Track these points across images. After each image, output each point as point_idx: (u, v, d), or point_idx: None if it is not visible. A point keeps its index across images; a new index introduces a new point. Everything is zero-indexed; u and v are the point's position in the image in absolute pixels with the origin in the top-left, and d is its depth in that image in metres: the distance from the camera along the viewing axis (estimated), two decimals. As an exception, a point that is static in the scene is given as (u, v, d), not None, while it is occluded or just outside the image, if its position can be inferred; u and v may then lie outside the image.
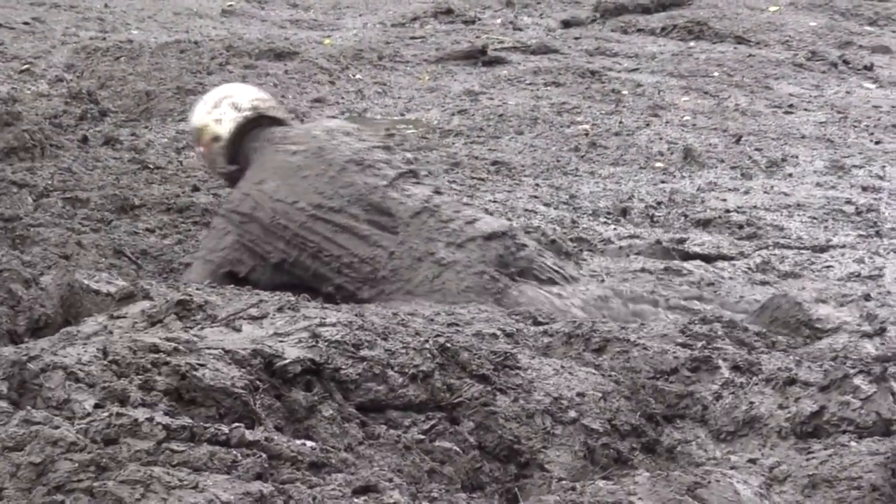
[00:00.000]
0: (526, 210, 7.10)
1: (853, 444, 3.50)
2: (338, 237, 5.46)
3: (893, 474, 3.30)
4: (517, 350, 4.00)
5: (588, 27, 12.92)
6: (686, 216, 7.12)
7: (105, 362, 3.27)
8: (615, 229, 6.85)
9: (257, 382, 3.34)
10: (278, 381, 3.42)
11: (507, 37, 12.31)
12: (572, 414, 3.68)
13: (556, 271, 5.56)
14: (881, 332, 5.00)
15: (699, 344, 4.29)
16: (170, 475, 2.81)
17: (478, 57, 11.17)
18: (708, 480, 3.20)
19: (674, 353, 4.08)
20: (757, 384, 3.88)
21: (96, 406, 3.07)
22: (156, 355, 3.32)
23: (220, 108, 5.88)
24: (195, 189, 7.12)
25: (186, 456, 2.91)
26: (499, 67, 10.95)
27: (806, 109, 9.70)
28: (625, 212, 7.17)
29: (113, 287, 4.47)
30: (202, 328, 3.75)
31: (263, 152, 5.75)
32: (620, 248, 6.49)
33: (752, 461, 3.53)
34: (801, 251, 6.47)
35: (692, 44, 11.97)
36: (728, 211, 7.19)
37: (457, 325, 4.39)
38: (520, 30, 12.83)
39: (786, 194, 7.57)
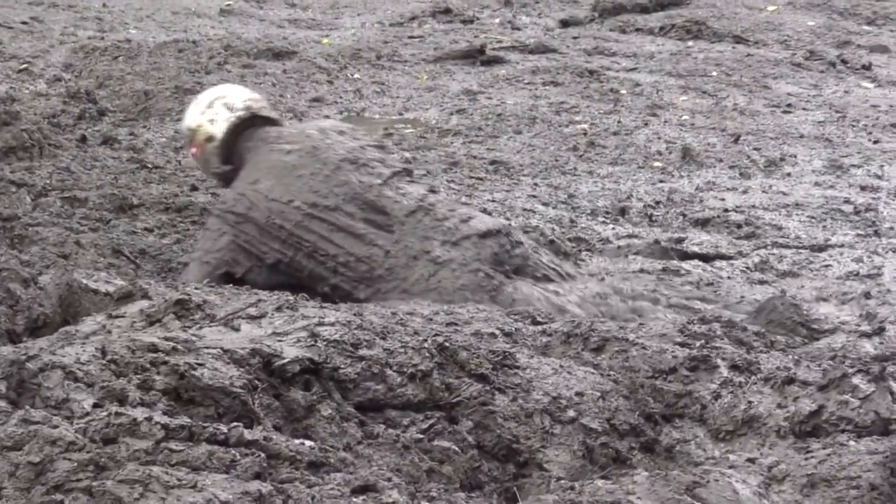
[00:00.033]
0: (524, 209, 7.10)
1: (852, 443, 3.50)
2: (333, 236, 5.45)
3: (892, 473, 3.30)
4: (516, 349, 4.00)
5: (586, 27, 12.93)
6: (684, 216, 7.12)
7: (104, 362, 3.27)
8: (613, 229, 6.86)
9: (256, 382, 3.34)
10: (277, 380, 3.41)
11: (505, 36, 12.31)
12: (571, 413, 3.68)
13: (553, 268, 5.57)
14: (880, 331, 5.00)
15: (698, 343, 4.29)
16: (168, 474, 2.81)
17: (476, 56, 11.17)
18: (707, 480, 3.20)
19: (672, 352, 4.08)
20: (756, 383, 3.88)
21: (95, 405, 3.07)
22: (154, 355, 3.32)
23: (213, 109, 5.88)
24: (193, 188, 7.12)
25: (185, 455, 2.90)
26: (497, 67, 10.95)
27: (804, 109, 9.70)
28: (623, 211, 7.17)
29: (111, 286, 4.47)
30: (201, 328, 3.75)
31: (258, 152, 5.75)
32: (619, 247, 6.49)
33: (751, 460, 3.53)
34: (800, 250, 6.48)
35: (690, 43, 11.97)
36: (726, 210, 7.19)
37: (455, 324, 4.39)
38: (518, 29, 12.83)
39: (784, 194, 7.57)
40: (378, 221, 5.48)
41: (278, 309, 3.91)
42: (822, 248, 6.52)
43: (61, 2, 13.12)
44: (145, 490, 2.76)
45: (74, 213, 6.50)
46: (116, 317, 3.97)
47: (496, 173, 7.90)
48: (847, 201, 7.37)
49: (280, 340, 3.59)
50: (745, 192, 7.60)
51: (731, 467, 3.45)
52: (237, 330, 3.71)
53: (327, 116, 9.12)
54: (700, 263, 6.19)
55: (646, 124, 9.07)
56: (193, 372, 3.25)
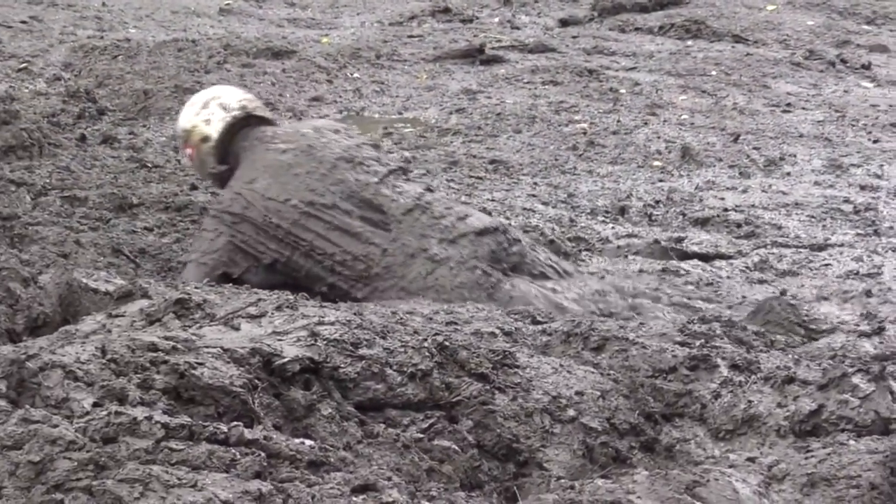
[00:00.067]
0: (524, 209, 7.10)
1: (852, 442, 3.50)
2: (330, 234, 5.46)
3: (892, 473, 3.30)
4: (516, 349, 4.00)
5: (586, 26, 12.92)
6: (684, 215, 7.12)
7: (104, 361, 3.27)
8: (613, 228, 6.86)
9: (256, 381, 3.34)
10: (277, 379, 3.41)
11: (504, 35, 12.30)
12: (571, 412, 3.68)
13: (550, 266, 5.58)
14: (879, 331, 5.01)
15: (698, 343, 4.29)
16: (168, 474, 2.81)
17: (476, 56, 11.17)
18: (707, 479, 3.20)
19: (672, 351, 4.08)
20: (756, 383, 3.88)
21: (95, 405, 3.07)
22: (154, 354, 3.32)
23: (208, 109, 5.88)
24: (193, 187, 7.12)
25: (185, 454, 2.90)
26: (496, 66, 10.95)
27: (804, 108, 9.71)
28: (623, 210, 7.17)
29: (111, 286, 4.47)
30: (201, 327, 3.75)
31: (253, 151, 5.74)
32: (619, 247, 6.49)
33: (751, 460, 3.53)
34: (800, 250, 6.48)
35: (690, 43, 11.97)
36: (726, 210, 7.19)
37: (455, 323, 4.39)
38: (517, 28, 12.83)
39: (784, 193, 7.57)
40: (375, 220, 5.49)
41: (278, 308, 3.91)
42: (821, 248, 6.52)
43: (61, 1, 13.12)
44: (145, 489, 2.76)
45: (74, 212, 6.50)
46: (116, 316, 3.97)
47: (496, 172, 7.90)
48: (847, 201, 7.38)
49: (280, 340, 3.59)
50: (744, 191, 7.60)
51: (731, 466, 3.46)
52: (237, 329, 3.71)
53: (326, 116, 9.11)
54: (700, 263, 6.19)
55: (645, 123, 9.07)
56: (193, 371, 3.25)
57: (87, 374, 3.20)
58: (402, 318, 4.17)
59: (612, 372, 3.97)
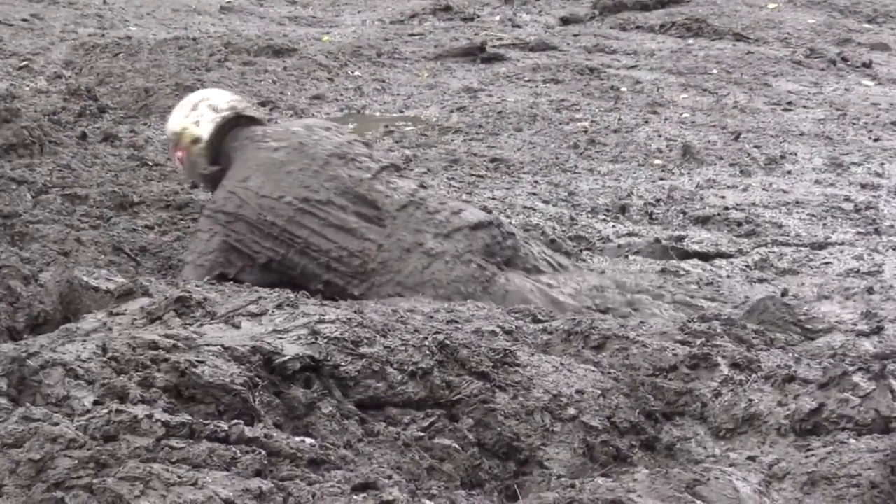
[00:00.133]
0: (525, 207, 7.10)
1: (852, 441, 3.50)
2: (326, 231, 5.47)
3: (892, 472, 3.30)
4: (516, 347, 4.00)
5: (587, 24, 12.92)
6: (685, 213, 7.12)
7: (104, 359, 3.27)
8: (614, 227, 6.86)
9: (256, 379, 3.34)
10: (277, 377, 3.42)
11: (505, 34, 12.30)
12: (571, 411, 3.68)
13: (545, 259, 5.60)
14: (878, 330, 5.00)
15: (698, 341, 4.29)
16: (169, 472, 2.81)
17: (476, 54, 11.16)
18: (707, 478, 3.20)
19: (673, 350, 4.09)
20: (756, 381, 3.88)
21: (96, 403, 3.07)
22: (155, 352, 3.33)
23: (197, 111, 5.89)
24: (194, 186, 7.11)
25: (186, 453, 2.91)
26: (497, 64, 10.94)
27: (805, 107, 9.70)
28: (624, 209, 7.17)
29: (112, 284, 4.47)
30: (201, 325, 3.75)
31: (245, 150, 5.75)
32: (619, 245, 6.49)
33: (752, 458, 3.53)
34: (800, 248, 6.48)
35: (691, 41, 11.97)
36: (727, 208, 7.19)
37: (456, 322, 4.39)
38: (518, 27, 12.83)
39: (785, 191, 7.57)
40: (369, 215, 5.51)
41: (279, 306, 3.91)
42: (822, 246, 6.52)
43: (62, -1, 13.12)
44: (146, 487, 2.76)
45: (75, 210, 6.50)
46: (117, 314, 3.97)
47: (496, 171, 7.90)
48: (847, 199, 7.37)
49: (281, 338, 3.59)
50: (745, 189, 7.60)
51: (731, 465, 3.46)
52: (238, 327, 3.71)
53: (327, 114, 9.11)
54: (700, 263, 6.19)
55: (646, 122, 9.07)
56: (194, 369, 3.25)
57: (87, 372, 3.20)
58: (402, 317, 4.17)
59: (612, 370, 3.97)
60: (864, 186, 7.66)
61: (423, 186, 5.73)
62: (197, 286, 4.66)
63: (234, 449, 2.95)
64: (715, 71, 10.75)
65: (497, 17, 13.25)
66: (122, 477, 2.78)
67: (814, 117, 9.35)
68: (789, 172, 7.98)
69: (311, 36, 11.88)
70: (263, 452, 2.98)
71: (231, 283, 5.25)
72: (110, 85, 9.46)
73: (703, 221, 6.99)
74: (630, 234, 6.70)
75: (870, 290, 5.65)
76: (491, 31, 12.35)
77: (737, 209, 7.17)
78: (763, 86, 10.33)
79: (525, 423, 3.61)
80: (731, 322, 4.84)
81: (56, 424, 2.89)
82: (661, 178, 7.82)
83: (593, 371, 3.91)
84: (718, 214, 7.05)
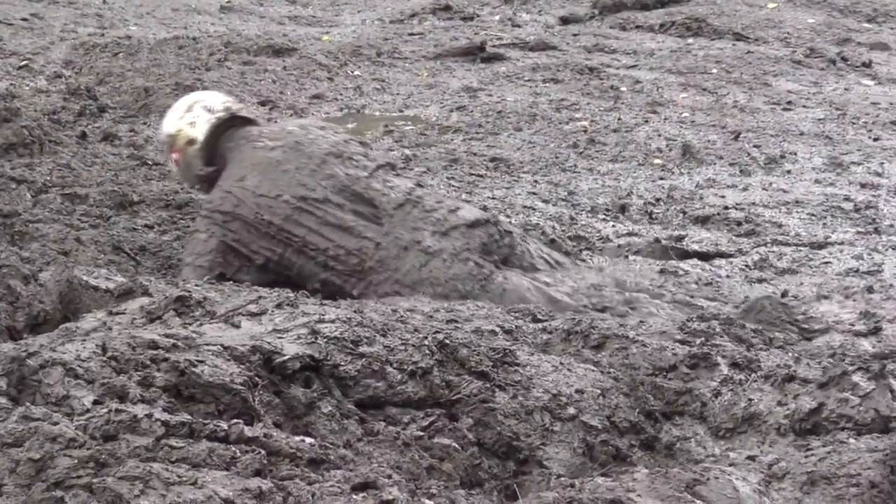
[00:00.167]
0: (524, 207, 7.10)
1: (852, 441, 3.50)
2: (323, 229, 5.47)
3: (892, 471, 3.30)
4: (516, 347, 4.00)
5: (586, 24, 12.92)
6: (685, 213, 7.12)
7: (104, 358, 3.27)
8: (614, 226, 6.86)
9: (256, 379, 3.34)
10: (277, 377, 3.42)
11: (505, 33, 12.30)
12: (571, 411, 3.68)
13: (542, 257, 5.61)
14: (876, 331, 5.00)
15: (698, 341, 4.29)
16: (169, 471, 2.81)
17: (476, 53, 11.16)
18: (707, 477, 3.20)
19: (673, 349, 4.09)
20: (756, 381, 3.88)
21: (95, 402, 3.07)
22: (155, 351, 3.33)
23: (192, 112, 5.90)
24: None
25: (185, 452, 2.91)
26: (497, 64, 10.94)
27: (804, 106, 9.70)
28: (623, 208, 7.17)
29: (112, 283, 4.47)
30: (201, 324, 3.75)
31: (241, 150, 5.76)
32: (619, 245, 6.49)
33: (751, 458, 3.53)
34: (800, 248, 6.48)
35: (691, 40, 11.97)
36: (727, 208, 7.19)
37: (456, 321, 4.39)
38: (518, 26, 12.83)
39: (784, 191, 7.56)
40: (366, 214, 5.51)
41: (279, 306, 3.91)
42: (822, 246, 6.51)
43: (61, -2, 13.12)
44: (145, 487, 2.76)
45: (75, 209, 6.50)
46: (117, 313, 3.97)
47: (496, 170, 7.90)
48: (847, 199, 7.37)
49: (280, 337, 3.59)
50: (745, 189, 7.60)
51: (731, 465, 3.46)
52: (237, 327, 3.71)
53: (327, 113, 9.11)
54: (699, 263, 6.18)
55: (646, 121, 9.07)
56: (194, 369, 3.25)
57: (87, 371, 3.20)
58: (402, 316, 4.17)
59: (612, 370, 3.97)
60: (863, 186, 7.66)
61: (419, 185, 5.75)
62: (196, 286, 4.66)
63: (233, 448, 2.95)
64: (715, 70, 10.75)
65: (497, 17, 13.25)
66: (122, 476, 2.78)
67: (813, 117, 9.35)
68: (789, 172, 7.98)
69: (311, 35, 11.88)
70: (263, 452, 2.98)
71: (230, 282, 5.25)
72: (110, 84, 9.46)
73: (702, 221, 6.99)
74: (630, 234, 6.70)
75: (869, 290, 5.65)
76: (491, 31, 12.35)
77: (736, 209, 7.17)
78: (763, 85, 10.33)
79: (525, 423, 3.61)
80: (731, 321, 4.84)
81: (56, 424, 2.89)
82: (661, 178, 7.82)
83: (593, 370, 3.91)
84: (718, 214, 7.05)
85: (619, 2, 13.13)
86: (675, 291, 5.58)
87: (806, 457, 3.45)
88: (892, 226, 6.86)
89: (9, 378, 3.16)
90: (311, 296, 4.68)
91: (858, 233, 6.75)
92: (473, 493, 3.33)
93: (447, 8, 13.33)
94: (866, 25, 12.68)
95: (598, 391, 3.78)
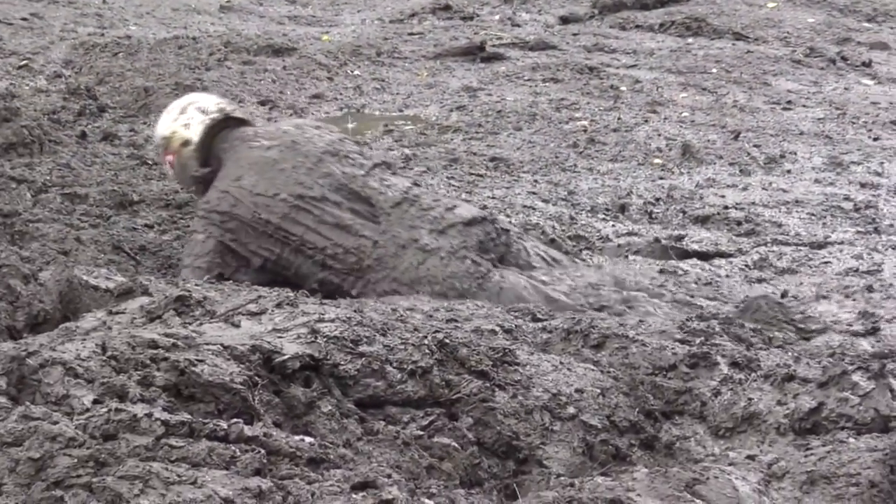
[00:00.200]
0: (524, 206, 7.10)
1: (851, 440, 3.50)
2: (321, 228, 5.48)
3: (892, 471, 3.30)
4: (516, 346, 4.00)
5: (586, 23, 12.92)
6: (684, 213, 7.12)
7: (104, 358, 3.27)
8: (613, 226, 6.86)
9: (256, 378, 3.34)
10: (277, 376, 3.42)
11: (505, 33, 12.30)
12: (571, 410, 3.68)
13: (538, 255, 5.62)
14: (874, 331, 5.00)
15: (698, 340, 4.29)
16: (168, 471, 2.81)
17: (476, 53, 11.16)
18: (706, 477, 3.20)
19: (672, 349, 4.09)
20: (755, 380, 3.89)
21: (95, 402, 3.07)
22: (154, 351, 3.33)
23: (186, 114, 5.90)
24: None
25: (185, 451, 2.91)
26: (497, 64, 10.94)
27: (804, 106, 9.70)
28: (623, 208, 7.17)
29: (112, 283, 4.47)
30: (201, 324, 3.75)
31: (237, 151, 5.76)
32: (619, 245, 6.49)
33: (751, 457, 3.53)
34: (800, 247, 6.48)
35: (690, 40, 11.97)
36: (726, 207, 7.19)
37: (455, 321, 4.39)
38: (518, 26, 12.83)
39: (784, 191, 7.56)
40: (364, 212, 5.53)
41: (278, 305, 3.91)
42: (821, 246, 6.51)
43: (61, -2, 13.11)
44: (145, 486, 2.76)
45: (75, 209, 6.50)
46: (117, 313, 3.97)
47: (496, 170, 7.90)
48: (847, 198, 7.37)
49: (280, 337, 3.59)
50: (744, 188, 7.60)
51: (730, 464, 3.46)
52: (237, 326, 3.71)
53: (326, 113, 9.12)
54: (699, 262, 6.18)
55: (646, 121, 9.07)
56: (194, 368, 3.25)
57: (87, 371, 3.20)
58: (402, 316, 4.17)
59: (612, 369, 3.97)
60: (863, 185, 7.66)
61: (416, 184, 5.77)
62: (196, 285, 4.66)
63: (233, 448, 2.95)
64: (714, 70, 10.75)
65: (496, 17, 13.25)
66: (122, 476, 2.78)
67: (813, 116, 9.35)
68: (789, 172, 7.98)
69: (311, 35, 11.88)
70: (263, 451, 2.98)
71: (230, 282, 5.25)
72: (110, 84, 9.46)
73: (702, 221, 6.99)
74: (630, 234, 6.70)
75: (869, 289, 5.65)
76: (490, 31, 12.35)
77: (736, 208, 7.17)
78: (762, 85, 10.33)
79: (524, 422, 3.61)
80: (730, 321, 4.83)
81: (55, 423, 2.89)
82: (661, 178, 7.82)
83: (593, 370, 3.91)
84: (718, 214, 7.05)
85: (618, 1, 13.13)
86: (674, 291, 5.58)
87: (805, 456, 3.45)
88: (891, 225, 6.86)
89: (8, 377, 3.16)
90: (310, 295, 4.68)
91: (858, 232, 6.75)
92: (473, 493, 3.33)
93: (447, 7, 13.33)
94: (866, 25, 12.68)
95: (598, 390, 3.78)
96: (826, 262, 6.24)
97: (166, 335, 3.45)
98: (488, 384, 3.68)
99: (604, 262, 6.18)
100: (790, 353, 4.21)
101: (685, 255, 6.35)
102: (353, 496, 2.91)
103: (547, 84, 10.19)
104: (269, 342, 3.51)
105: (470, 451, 3.48)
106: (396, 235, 5.46)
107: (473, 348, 3.82)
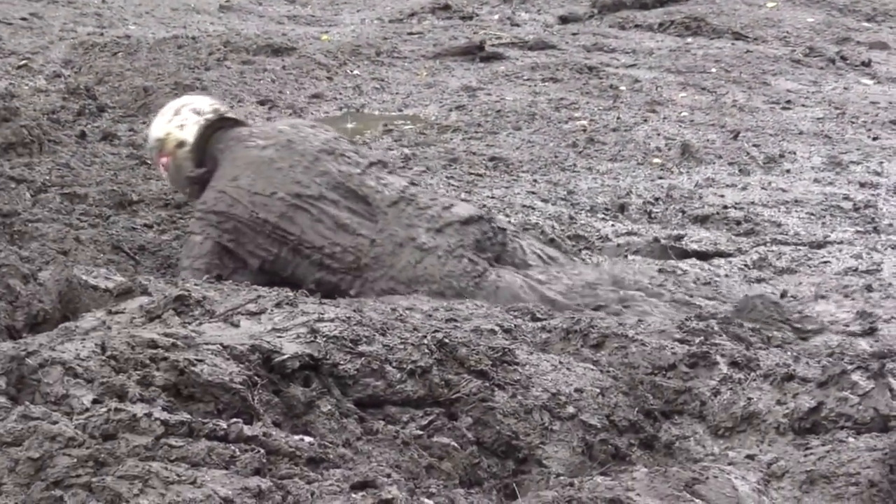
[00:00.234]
0: (523, 206, 7.10)
1: (851, 440, 3.50)
2: (318, 226, 5.48)
3: (891, 470, 3.30)
4: (515, 346, 4.00)
5: (585, 23, 12.92)
6: (684, 212, 7.12)
7: (103, 358, 3.27)
8: (613, 226, 6.86)
9: (255, 378, 3.34)
10: (276, 376, 3.42)
11: (504, 32, 12.30)
12: (570, 410, 3.68)
13: (535, 253, 5.62)
14: (871, 331, 5.00)
15: (697, 340, 4.29)
16: (168, 470, 2.81)
17: (475, 53, 11.16)
18: (706, 476, 3.20)
19: (672, 348, 4.09)
20: (755, 380, 3.89)
21: (95, 401, 3.07)
22: (154, 351, 3.32)
23: (181, 115, 5.91)
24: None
25: (185, 451, 2.91)
26: (496, 63, 10.94)
27: (804, 105, 9.70)
28: (622, 208, 7.17)
29: (111, 282, 4.47)
30: (200, 323, 3.75)
31: (232, 151, 5.76)
32: (618, 245, 6.49)
33: (750, 457, 3.53)
34: (799, 247, 6.48)
35: (690, 40, 11.97)
36: (726, 207, 7.19)
37: (455, 320, 4.39)
38: (517, 25, 12.83)
39: (783, 190, 7.56)
40: (361, 211, 5.53)
41: (278, 305, 3.91)
42: (821, 245, 6.51)
43: (60, -2, 13.11)
44: (145, 486, 2.76)
45: (74, 209, 6.50)
46: (116, 313, 3.97)
47: (495, 170, 7.90)
48: (846, 198, 7.37)
49: (280, 336, 3.59)
50: (744, 188, 7.60)
51: (730, 464, 3.46)
52: (237, 326, 3.71)
53: (326, 112, 9.12)
54: (698, 262, 6.18)
55: (645, 121, 9.07)
56: (193, 368, 3.25)
57: (86, 370, 3.20)
58: (401, 315, 4.17)
59: (611, 369, 3.97)
60: (862, 185, 7.66)
61: (413, 183, 5.77)
62: (196, 285, 4.66)
63: (233, 447, 2.95)
64: (714, 70, 10.75)
65: (496, 16, 13.25)
66: (121, 475, 2.78)
67: (813, 116, 9.36)
68: (788, 171, 7.98)
69: (310, 35, 11.88)
70: (262, 451, 2.98)
71: (229, 281, 5.25)
72: (109, 84, 9.46)
73: (701, 220, 6.99)
74: (629, 233, 6.70)
75: (868, 289, 5.65)
76: (490, 30, 12.35)
77: (736, 208, 7.17)
78: (762, 84, 10.33)
79: (524, 422, 3.61)
80: (729, 321, 4.83)
81: (55, 423, 2.89)
82: (660, 177, 7.82)
83: (592, 369, 3.91)
84: (717, 213, 7.05)
85: (618, 1, 13.13)
86: (673, 290, 5.57)
87: (805, 456, 3.45)
88: (891, 225, 6.86)
89: (8, 377, 3.16)
90: (309, 295, 4.68)
91: (857, 232, 6.75)
92: (472, 492, 3.33)
93: (446, 7, 13.33)
94: (865, 25, 12.68)
95: (598, 390, 3.78)
96: (825, 262, 6.24)
97: (166, 335, 3.45)
98: (488, 384, 3.68)
99: (602, 261, 6.18)
100: (789, 353, 4.21)
101: (684, 254, 6.35)
102: (353, 496, 2.91)
103: (546, 84, 10.19)
104: (268, 342, 3.50)
105: (469, 451, 3.48)
106: (394, 234, 5.46)
107: (473, 348, 3.82)
